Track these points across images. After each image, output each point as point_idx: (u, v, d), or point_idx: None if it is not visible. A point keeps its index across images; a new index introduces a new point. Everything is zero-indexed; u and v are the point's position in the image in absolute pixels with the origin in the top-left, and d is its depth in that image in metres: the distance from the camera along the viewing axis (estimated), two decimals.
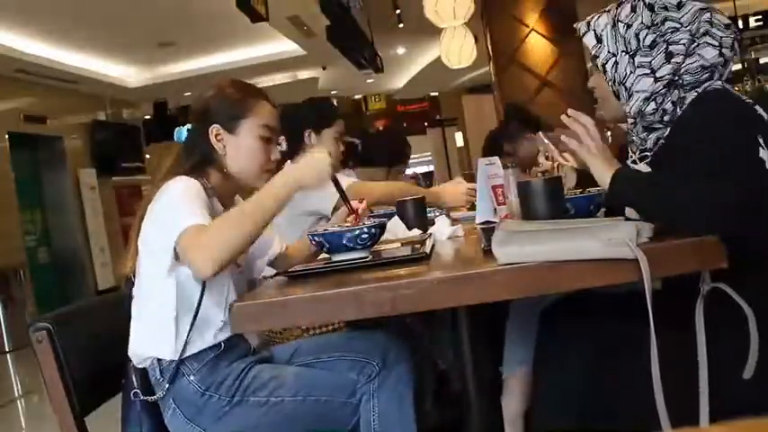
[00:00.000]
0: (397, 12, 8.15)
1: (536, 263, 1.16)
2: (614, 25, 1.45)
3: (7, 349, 6.73)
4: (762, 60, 13.10)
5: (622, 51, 1.43)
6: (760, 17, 11.61)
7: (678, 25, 1.39)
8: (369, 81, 12.62)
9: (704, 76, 1.39)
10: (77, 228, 8.80)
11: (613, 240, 1.12)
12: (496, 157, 1.95)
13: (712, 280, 1.20)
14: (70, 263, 8.73)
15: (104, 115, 9.99)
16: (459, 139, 15.12)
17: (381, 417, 1.52)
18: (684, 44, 1.38)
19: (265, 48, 9.01)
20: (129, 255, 1.55)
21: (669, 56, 1.38)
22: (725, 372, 1.19)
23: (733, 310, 1.17)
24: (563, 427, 1.42)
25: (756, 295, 1.20)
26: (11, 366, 6.36)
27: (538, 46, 6.26)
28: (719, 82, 1.40)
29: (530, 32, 6.26)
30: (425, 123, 15.43)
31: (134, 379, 1.52)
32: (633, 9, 1.43)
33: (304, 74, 10.92)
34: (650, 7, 1.42)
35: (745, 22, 11.41)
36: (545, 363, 1.52)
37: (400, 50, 11.34)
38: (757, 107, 1.35)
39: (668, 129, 1.42)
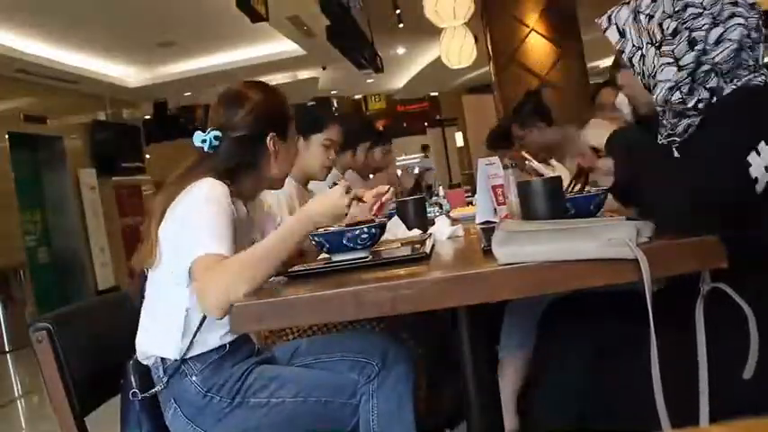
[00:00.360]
0: (397, 12, 8.16)
1: (536, 263, 1.16)
2: (636, 17, 1.41)
3: (7, 349, 6.73)
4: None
5: (647, 43, 1.39)
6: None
7: (700, 10, 1.34)
8: (369, 81, 12.63)
9: (738, 62, 1.34)
10: (77, 228, 8.80)
11: (613, 240, 1.12)
12: (496, 157, 1.95)
13: (712, 280, 1.20)
14: (70, 263, 8.73)
15: (104, 115, 9.99)
16: (459, 139, 15.13)
17: (381, 417, 1.52)
18: (706, 29, 1.33)
19: (265, 48, 9.01)
20: (147, 250, 1.51)
21: (692, 43, 1.34)
22: (725, 372, 1.19)
23: (733, 310, 1.17)
24: (563, 427, 1.42)
25: (756, 295, 1.19)
26: (11, 366, 6.36)
27: (538, 46, 6.27)
28: (762, 77, 1.35)
29: (530, 32, 6.26)
30: (425, 123, 15.44)
31: (133, 379, 1.52)
32: None
33: (304, 74, 10.93)
34: None
35: None
36: (545, 363, 1.52)
37: (400, 50, 11.34)
38: None
39: (699, 117, 1.37)
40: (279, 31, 7.80)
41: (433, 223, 1.92)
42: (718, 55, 1.33)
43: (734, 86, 1.34)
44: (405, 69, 12.84)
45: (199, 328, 1.48)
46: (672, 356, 1.16)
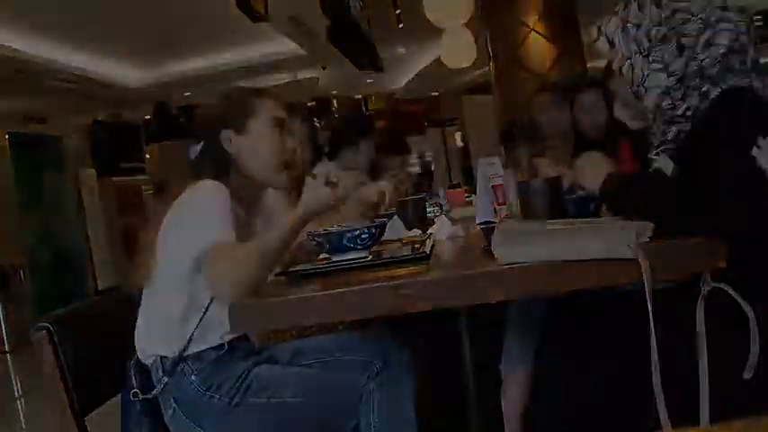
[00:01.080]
0: (397, 12, 8.15)
1: (536, 263, 1.16)
2: (624, 28, 1.42)
3: (7, 349, 6.73)
4: (761, 60, 13.10)
5: (636, 53, 1.40)
6: (760, 17, 11.61)
7: (689, 15, 1.35)
8: (369, 81, 12.62)
9: (726, 65, 1.34)
10: (77, 228, 8.80)
11: (613, 240, 1.12)
12: (496, 157, 1.95)
13: (712, 280, 1.20)
14: (70, 263, 8.73)
15: (104, 115, 9.99)
16: (459, 138, 15.11)
17: (381, 416, 1.52)
18: (695, 34, 1.34)
19: (265, 48, 9.00)
20: (144, 261, 1.53)
21: (681, 49, 1.35)
22: (725, 372, 1.19)
23: (733, 310, 1.17)
24: (562, 427, 1.42)
25: (757, 295, 1.19)
26: (11, 366, 6.35)
27: (538, 46, 6.26)
28: (747, 79, 1.35)
29: (530, 32, 6.26)
30: (425, 123, 15.42)
31: (134, 379, 1.52)
32: (640, 8, 1.40)
33: (304, 74, 10.93)
34: (657, 3, 1.39)
35: None
36: (545, 363, 1.52)
37: (400, 50, 11.33)
38: None
39: (689, 124, 1.38)
40: (279, 31, 7.80)
41: (433, 223, 1.92)
42: (706, 58, 1.33)
43: (719, 89, 1.34)
44: (405, 69, 12.82)
45: (197, 326, 1.48)
46: (672, 356, 1.16)
